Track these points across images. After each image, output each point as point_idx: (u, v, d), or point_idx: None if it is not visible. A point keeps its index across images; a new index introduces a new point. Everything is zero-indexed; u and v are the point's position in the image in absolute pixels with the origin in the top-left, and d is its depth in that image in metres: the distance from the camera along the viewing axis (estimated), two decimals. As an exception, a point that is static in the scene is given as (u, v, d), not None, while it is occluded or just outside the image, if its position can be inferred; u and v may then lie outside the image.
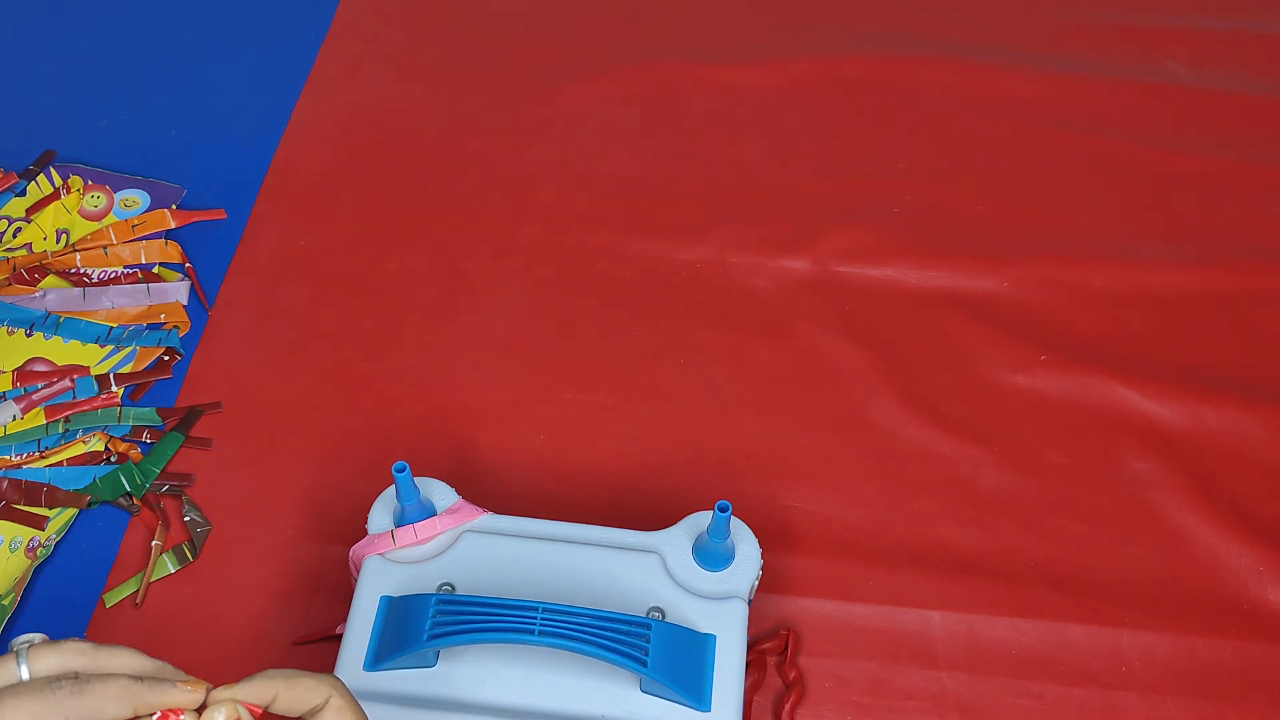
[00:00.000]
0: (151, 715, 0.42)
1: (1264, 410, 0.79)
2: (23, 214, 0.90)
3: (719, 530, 0.60)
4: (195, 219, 0.90)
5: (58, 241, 0.88)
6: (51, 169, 0.92)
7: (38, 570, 0.72)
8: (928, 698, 0.67)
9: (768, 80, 1.00)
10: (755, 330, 0.83)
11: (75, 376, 0.80)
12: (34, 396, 0.79)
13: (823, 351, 0.82)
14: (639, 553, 0.62)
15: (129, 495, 0.74)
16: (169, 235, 0.89)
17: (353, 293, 0.86)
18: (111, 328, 0.83)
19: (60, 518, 0.74)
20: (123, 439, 0.77)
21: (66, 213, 0.90)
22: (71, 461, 0.76)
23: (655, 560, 0.62)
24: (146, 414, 0.78)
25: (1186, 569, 0.72)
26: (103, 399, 0.79)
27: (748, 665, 0.67)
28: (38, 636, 0.44)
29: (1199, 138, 0.96)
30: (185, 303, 0.85)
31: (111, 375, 0.80)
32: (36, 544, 0.72)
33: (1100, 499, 0.75)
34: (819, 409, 0.79)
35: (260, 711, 0.44)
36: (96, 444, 0.77)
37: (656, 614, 0.60)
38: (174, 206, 0.91)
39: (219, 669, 0.68)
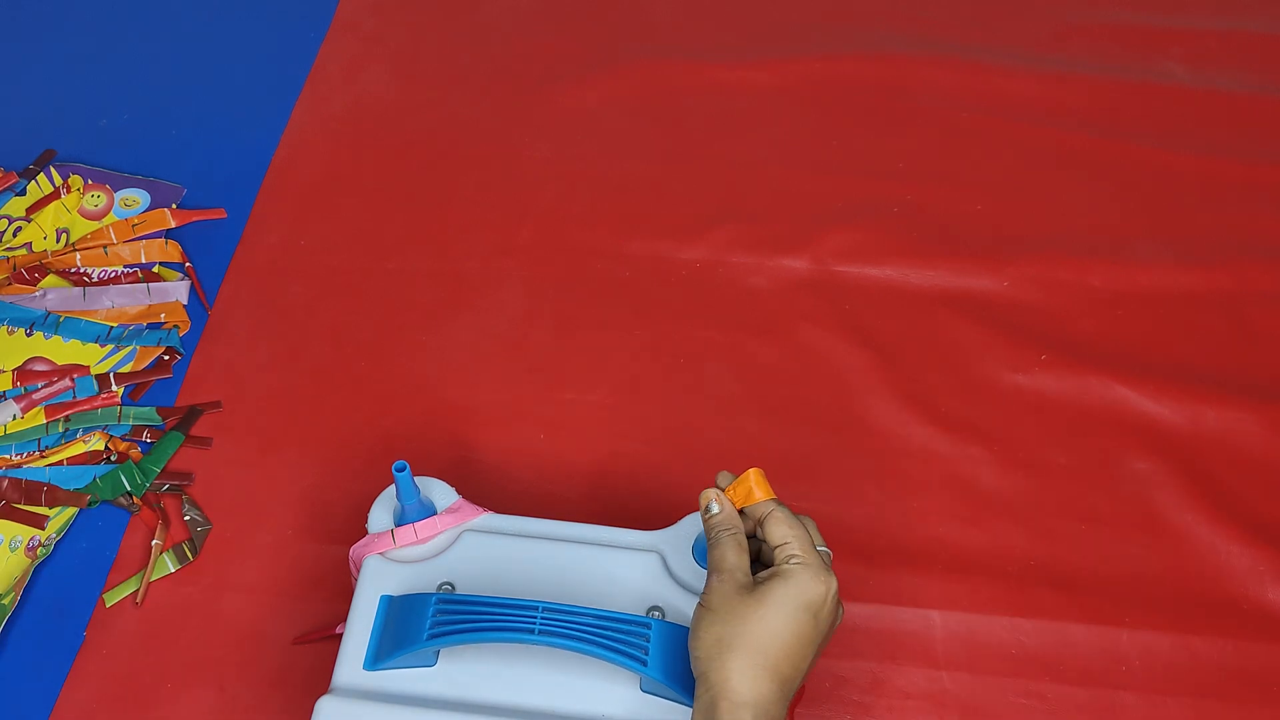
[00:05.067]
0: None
1: (1263, 410, 0.79)
2: (23, 213, 0.90)
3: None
4: (195, 218, 0.90)
5: (58, 241, 0.88)
6: (51, 168, 0.92)
7: (38, 569, 0.72)
8: (927, 697, 0.67)
9: (768, 80, 1.00)
10: (755, 330, 0.84)
11: (75, 376, 0.80)
12: (34, 396, 0.79)
13: (823, 351, 0.82)
14: (639, 552, 0.62)
15: (129, 494, 0.74)
16: (169, 234, 0.89)
17: (353, 293, 0.86)
18: (111, 327, 0.83)
19: (60, 517, 0.74)
20: (123, 438, 0.77)
21: (66, 212, 0.90)
22: (71, 461, 0.76)
23: (655, 560, 0.62)
24: (146, 413, 0.78)
25: (1186, 569, 0.72)
26: (103, 398, 0.79)
27: (748, 665, 0.67)
28: None
29: (1199, 138, 0.96)
30: (185, 302, 0.85)
31: (111, 375, 0.80)
32: (37, 543, 0.72)
33: (1100, 499, 0.75)
34: (819, 409, 0.79)
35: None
36: (96, 443, 0.77)
37: (656, 613, 0.60)
38: (174, 206, 0.91)
39: (219, 668, 0.68)
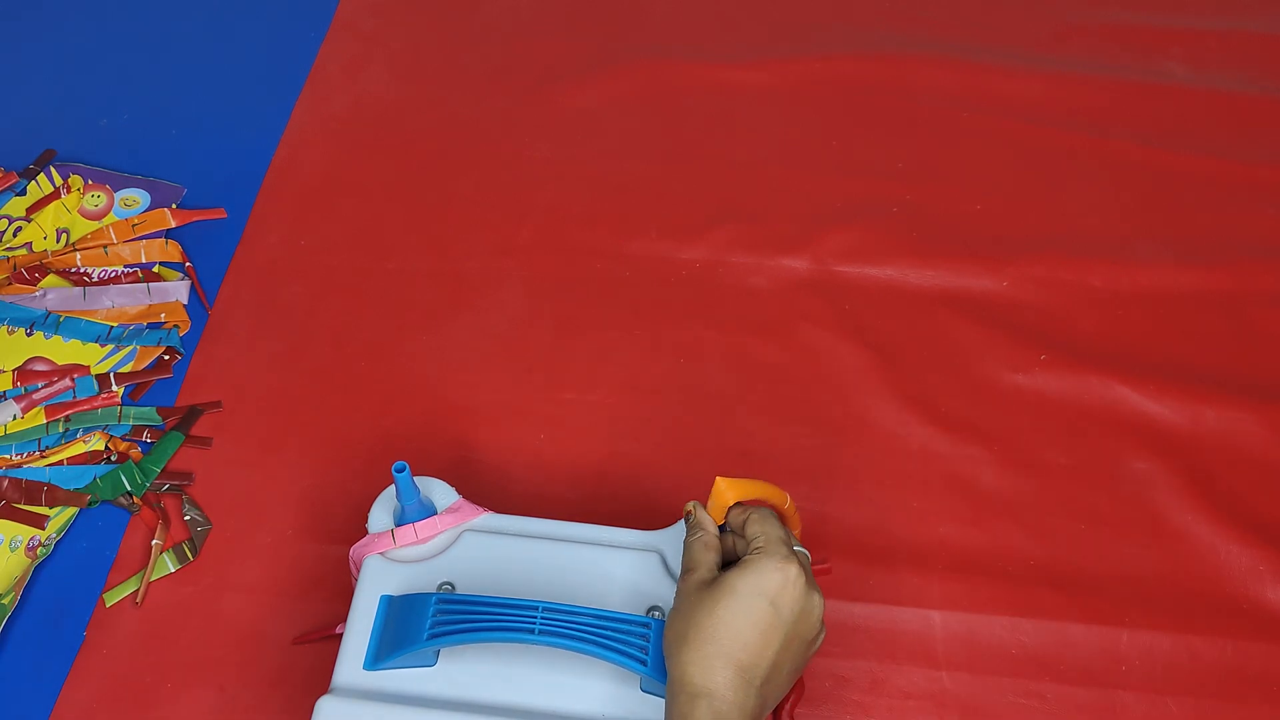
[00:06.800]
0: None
1: (1263, 410, 0.79)
2: (23, 213, 0.90)
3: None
4: (195, 218, 0.90)
5: (58, 241, 0.88)
6: (51, 168, 0.92)
7: (38, 569, 0.72)
8: (927, 697, 0.67)
9: (768, 80, 1.00)
10: (755, 330, 0.84)
11: (75, 376, 0.80)
12: (34, 396, 0.79)
13: (823, 351, 0.82)
14: (639, 552, 0.62)
15: (129, 494, 0.74)
16: (169, 234, 0.89)
17: (353, 293, 0.86)
18: (112, 327, 0.83)
19: (60, 517, 0.74)
20: (123, 438, 0.77)
21: (67, 212, 0.90)
22: (72, 461, 0.76)
23: (655, 560, 0.62)
24: (146, 413, 0.78)
25: (1186, 568, 0.72)
26: (103, 398, 0.79)
27: (748, 665, 0.67)
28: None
29: (1199, 138, 0.96)
30: (185, 302, 0.85)
31: (112, 374, 0.80)
32: (37, 543, 0.72)
33: (1100, 499, 0.75)
34: (819, 409, 0.79)
35: None
36: (97, 443, 0.77)
37: (656, 613, 0.60)
38: (174, 206, 0.91)
39: (219, 668, 0.68)
